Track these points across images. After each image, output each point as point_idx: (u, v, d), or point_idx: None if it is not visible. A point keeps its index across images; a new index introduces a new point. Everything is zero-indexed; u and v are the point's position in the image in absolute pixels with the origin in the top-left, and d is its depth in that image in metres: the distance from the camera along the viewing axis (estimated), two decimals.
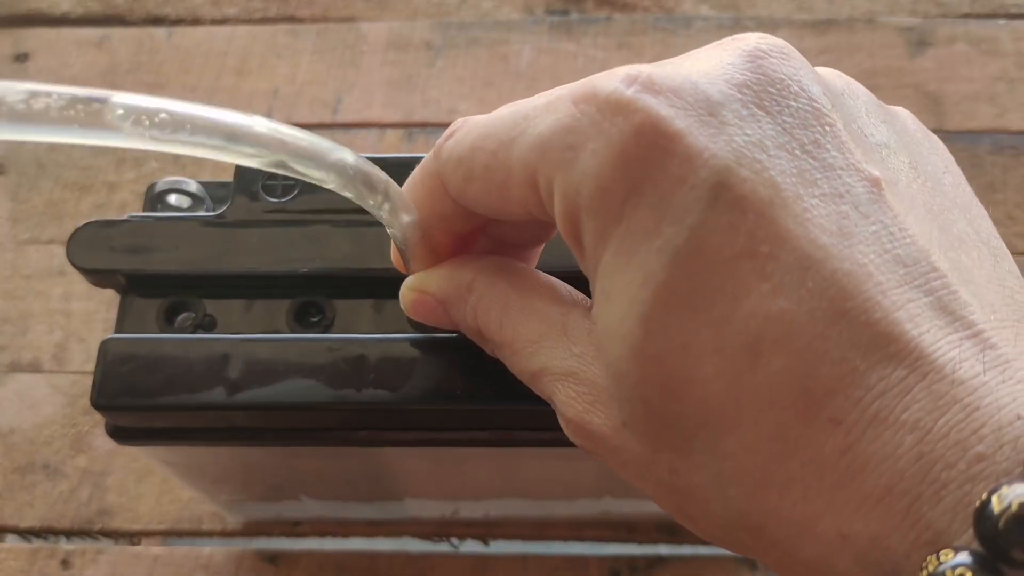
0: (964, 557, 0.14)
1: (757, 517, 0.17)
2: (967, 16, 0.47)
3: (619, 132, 0.17)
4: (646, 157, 0.17)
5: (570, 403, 0.19)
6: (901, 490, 0.15)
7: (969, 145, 0.43)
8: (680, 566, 0.36)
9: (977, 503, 0.14)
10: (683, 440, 0.17)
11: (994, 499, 0.14)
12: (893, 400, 0.15)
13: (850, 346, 0.16)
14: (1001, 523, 0.14)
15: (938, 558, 0.14)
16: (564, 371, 0.19)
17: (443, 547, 0.37)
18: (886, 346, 0.16)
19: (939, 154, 0.20)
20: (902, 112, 0.21)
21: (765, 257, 0.16)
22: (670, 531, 0.37)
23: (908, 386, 0.16)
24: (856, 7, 0.48)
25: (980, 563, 0.14)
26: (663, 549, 0.37)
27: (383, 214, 0.21)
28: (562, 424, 0.20)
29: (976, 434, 0.15)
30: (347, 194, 0.20)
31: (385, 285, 0.25)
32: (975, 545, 0.14)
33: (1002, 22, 0.47)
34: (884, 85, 0.45)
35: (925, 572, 0.14)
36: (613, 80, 0.18)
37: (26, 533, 0.37)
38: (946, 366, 0.16)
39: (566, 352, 0.19)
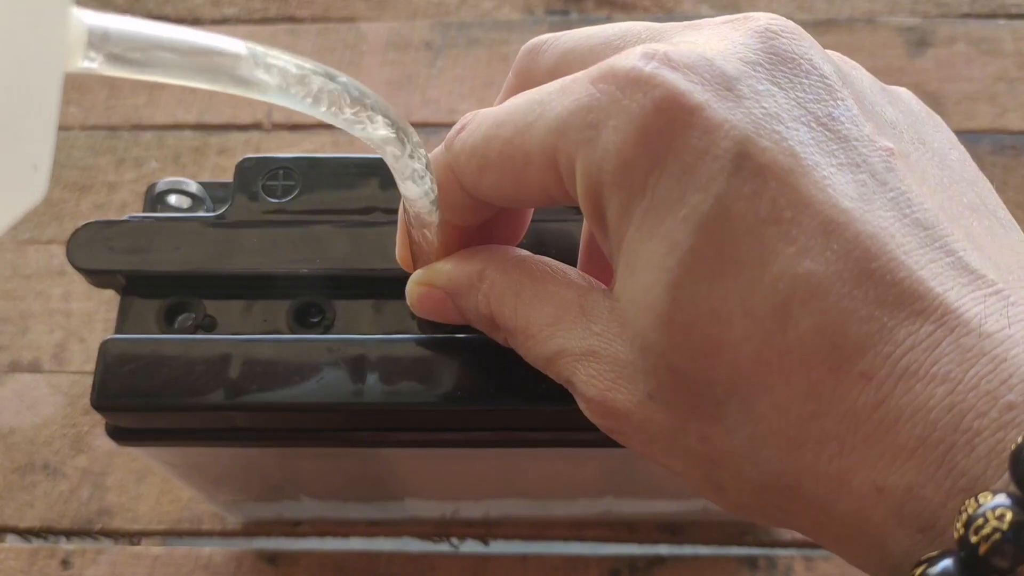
0: (1003, 498, 0.14)
1: (792, 476, 0.17)
2: (967, 16, 0.47)
3: (639, 107, 0.17)
4: (667, 130, 0.17)
5: (591, 382, 0.19)
6: (935, 440, 0.16)
7: (969, 145, 0.43)
8: (680, 566, 0.36)
9: (1012, 447, 0.15)
10: (714, 406, 0.18)
11: None
12: (922, 354, 0.16)
13: (877, 304, 0.16)
14: None
15: (977, 501, 0.15)
16: (584, 351, 0.19)
17: (443, 547, 0.37)
18: (912, 303, 0.16)
19: (943, 132, 0.21)
20: (905, 93, 0.21)
21: (789, 222, 0.17)
22: (670, 531, 0.37)
23: (936, 340, 0.16)
24: (856, 7, 0.48)
25: (1019, 504, 0.14)
26: (663, 549, 0.37)
27: (426, 195, 0.20)
28: (582, 405, 0.20)
29: (1006, 384, 0.15)
30: (395, 164, 0.20)
31: (385, 285, 0.25)
32: (1012, 488, 0.15)
33: (1002, 22, 0.47)
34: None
35: (964, 515, 0.15)
36: (631, 58, 0.18)
37: (26, 533, 0.37)
38: (972, 320, 0.16)
39: (585, 332, 0.19)
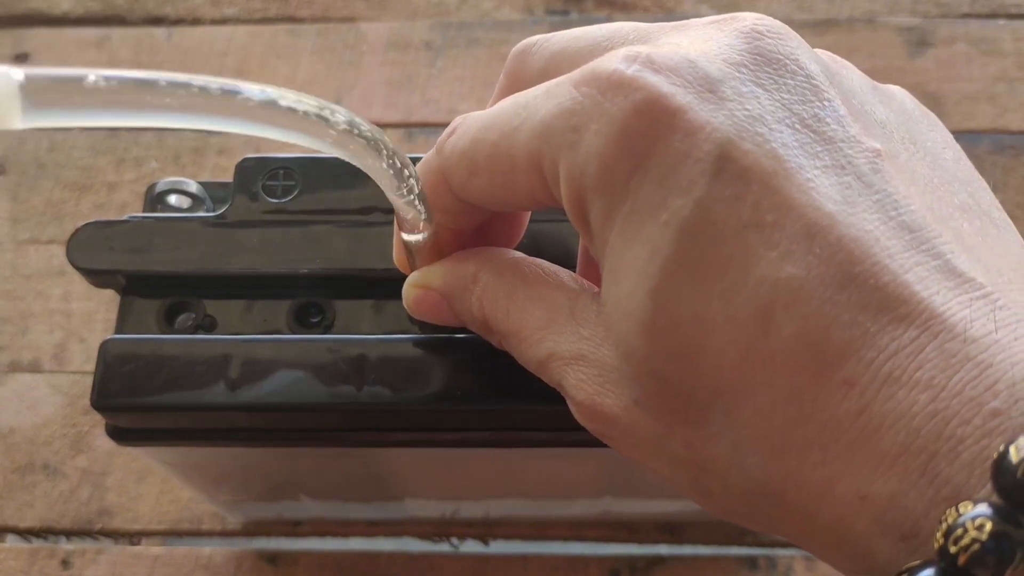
0: (983, 508, 0.14)
1: (776, 484, 0.17)
2: (967, 16, 0.47)
3: (621, 110, 0.17)
4: (649, 133, 0.17)
5: (580, 386, 0.19)
6: (917, 448, 0.15)
7: (969, 145, 0.43)
8: (680, 566, 0.36)
9: (995, 456, 0.15)
10: (698, 412, 0.17)
11: (1011, 451, 0.14)
12: (906, 360, 0.16)
13: (860, 309, 0.16)
14: (1019, 473, 0.14)
15: (957, 510, 0.15)
16: (573, 355, 0.19)
17: (443, 547, 0.37)
18: (896, 308, 0.16)
19: (938, 131, 0.20)
20: (898, 91, 0.21)
21: (771, 226, 0.16)
22: (670, 531, 0.37)
23: (920, 346, 0.16)
24: (856, 7, 0.48)
25: (1000, 514, 0.14)
26: (663, 549, 0.37)
27: (409, 206, 0.21)
28: (572, 408, 0.20)
29: (990, 390, 0.15)
30: (380, 180, 0.20)
31: (385, 285, 0.25)
32: (994, 498, 0.14)
33: (1002, 22, 0.47)
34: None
35: (944, 525, 0.15)
36: (612, 61, 0.18)
37: (26, 533, 0.37)
38: (957, 325, 0.16)
39: (574, 336, 0.19)
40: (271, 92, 0.17)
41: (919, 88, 0.45)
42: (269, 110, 0.17)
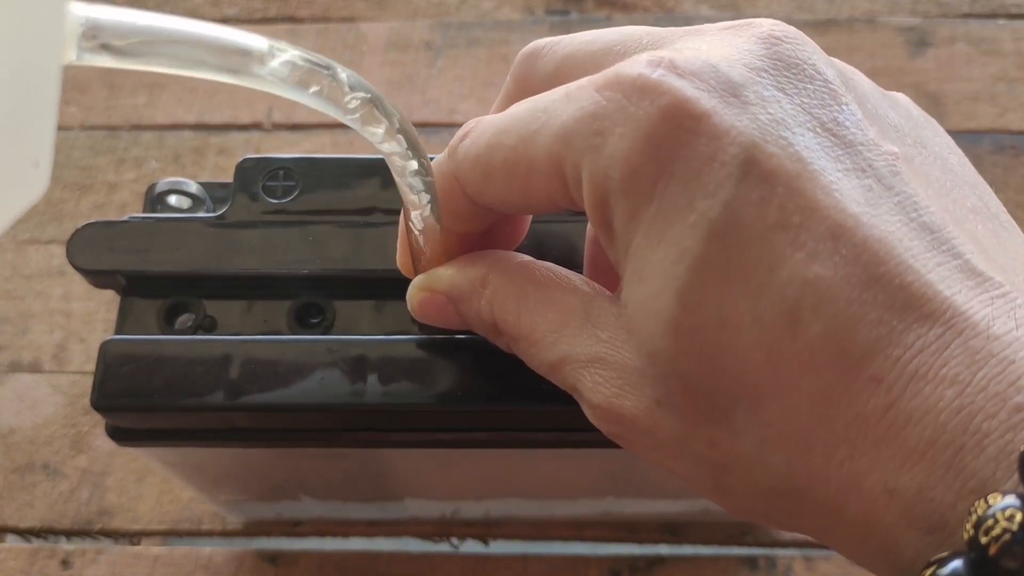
0: (1012, 499, 0.15)
1: (802, 480, 0.17)
2: (967, 16, 0.47)
3: (646, 114, 0.17)
4: (674, 137, 0.17)
5: (597, 389, 0.19)
6: (944, 442, 0.16)
7: (969, 145, 0.43)
8: (680, 566, 0.36)
9: (1020, 449, 0.15)
10: (723, 412, 0.18)
11: None
12: (931, 357, 0.16)
13: (886, 308, 0.16)
14: None
15: (987, 502, 0.15)
16: (589, 357, 0.19)
17: (443, 547, 0.37)
18: (921, 307, 0.16)
19: (941, 136, 0.21)
20: (902, 98, 0.21)
21: (797, 227, 0.17)
22: (670, 531, 0.37)
23: (945, 343, 0.16)
24: (856, 7, 0.48)
25: None
26: (663, 549, 0.37)
27: (417, 189, 0.21)
28: (588, 412, 0.20)
29: (1014, 385, 0.15)
30: (396, 164, 0.20)
31: (386, 286, 0.25)
32: (1021, 489, 0.15)
33: (1002, 22, 0.47)
34: (884, 85, 0.45)
35: (975, 516, 0.15)
36: (637, 65, 0.18)
37: (26, 533, 0.37)
38: (980, 323, 0.16)
39: (591, 339, 0.19)
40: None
41: (919, 88, 0.45)
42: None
